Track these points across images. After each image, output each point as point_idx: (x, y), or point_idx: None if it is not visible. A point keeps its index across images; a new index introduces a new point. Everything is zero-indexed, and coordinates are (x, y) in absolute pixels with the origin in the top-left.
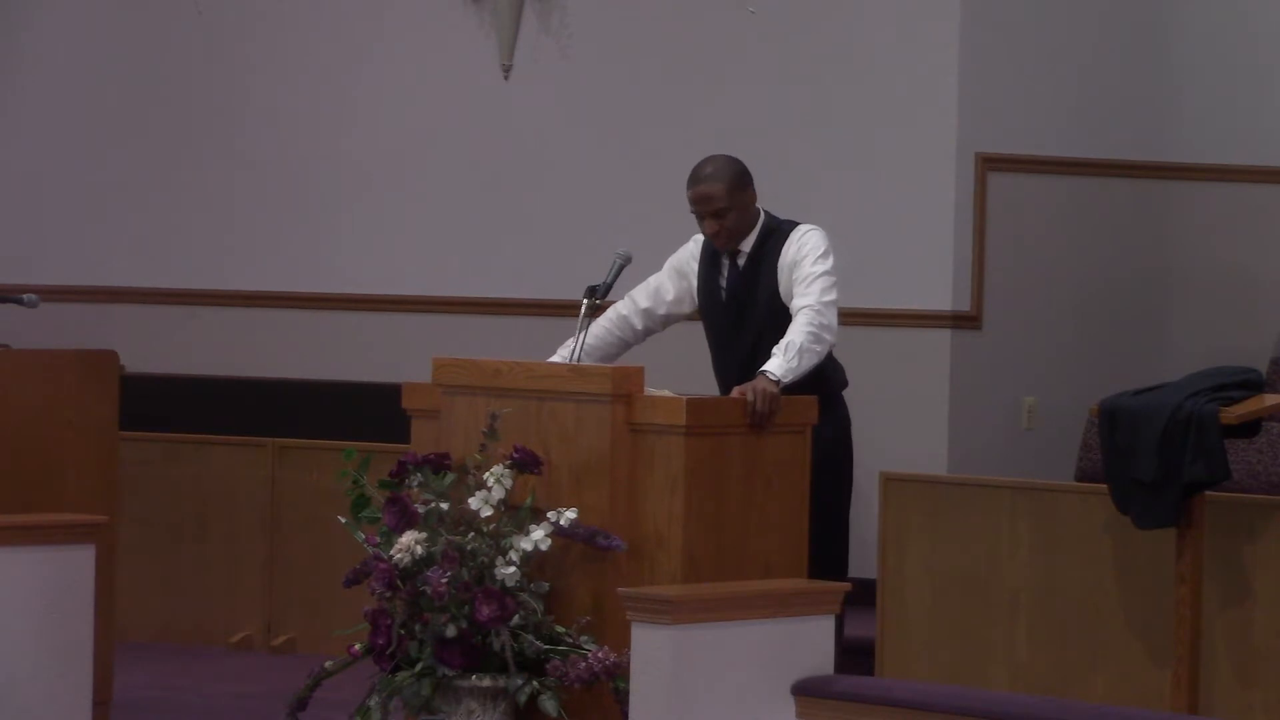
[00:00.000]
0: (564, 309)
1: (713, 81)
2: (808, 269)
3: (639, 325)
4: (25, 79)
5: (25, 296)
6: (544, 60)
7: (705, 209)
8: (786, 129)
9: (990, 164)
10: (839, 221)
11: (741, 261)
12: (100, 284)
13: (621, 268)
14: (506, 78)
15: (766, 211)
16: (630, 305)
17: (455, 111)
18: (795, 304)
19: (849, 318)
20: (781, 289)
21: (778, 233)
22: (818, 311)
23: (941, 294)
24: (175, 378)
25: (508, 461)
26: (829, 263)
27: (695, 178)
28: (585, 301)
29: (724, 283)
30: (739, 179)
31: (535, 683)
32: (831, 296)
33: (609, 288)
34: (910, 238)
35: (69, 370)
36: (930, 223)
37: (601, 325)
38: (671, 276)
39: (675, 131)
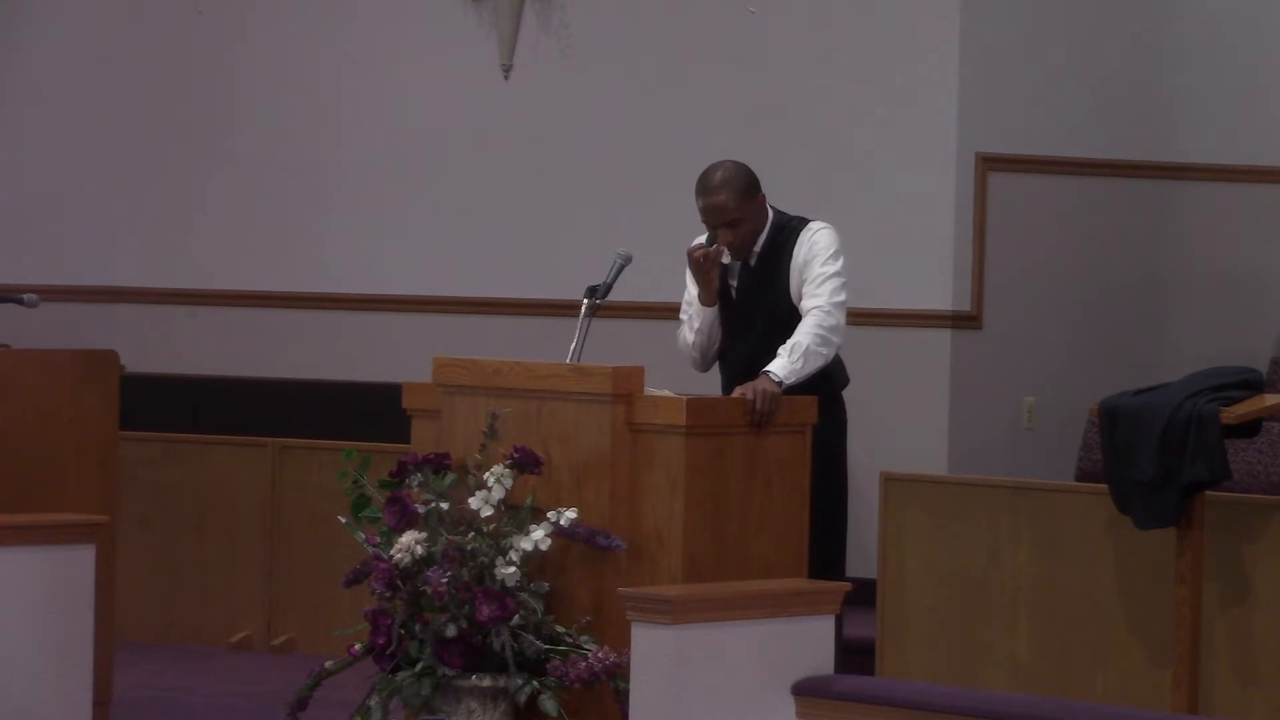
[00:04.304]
0: (564, 309)
1: (713, 82)
2: (818, 269)
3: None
4: (25, 79)
5: (25, 296)
6: (544, 60)
7: (717, 220)
8: (787, 129)
9: (990, 164)
10: (839, 221)
11: (753, 261)
12: (100, 284)
13: (621, 268)
14: (506, 78)
15: (774, 208)
16: (686, 311)
17: (455, 111)
18: (805, 305)
19: (849, 317)
20: (793, 289)
21: (787, 229)
22: (827, 313)
23: (941, 294)
24: (175, 378)
25: (508, 461)
26: (839, 263)
27: (704, 188)
28: (585, 301)
29: (734, 281)
30: (748, 187)
31: (535, 683)
32: (841, 298)
33: (609, 288)
34: (910, 238)
35: (69, 370)
36: (930, 223)
37: (692, 328)
38: (690, 284)
39: (675, 131)
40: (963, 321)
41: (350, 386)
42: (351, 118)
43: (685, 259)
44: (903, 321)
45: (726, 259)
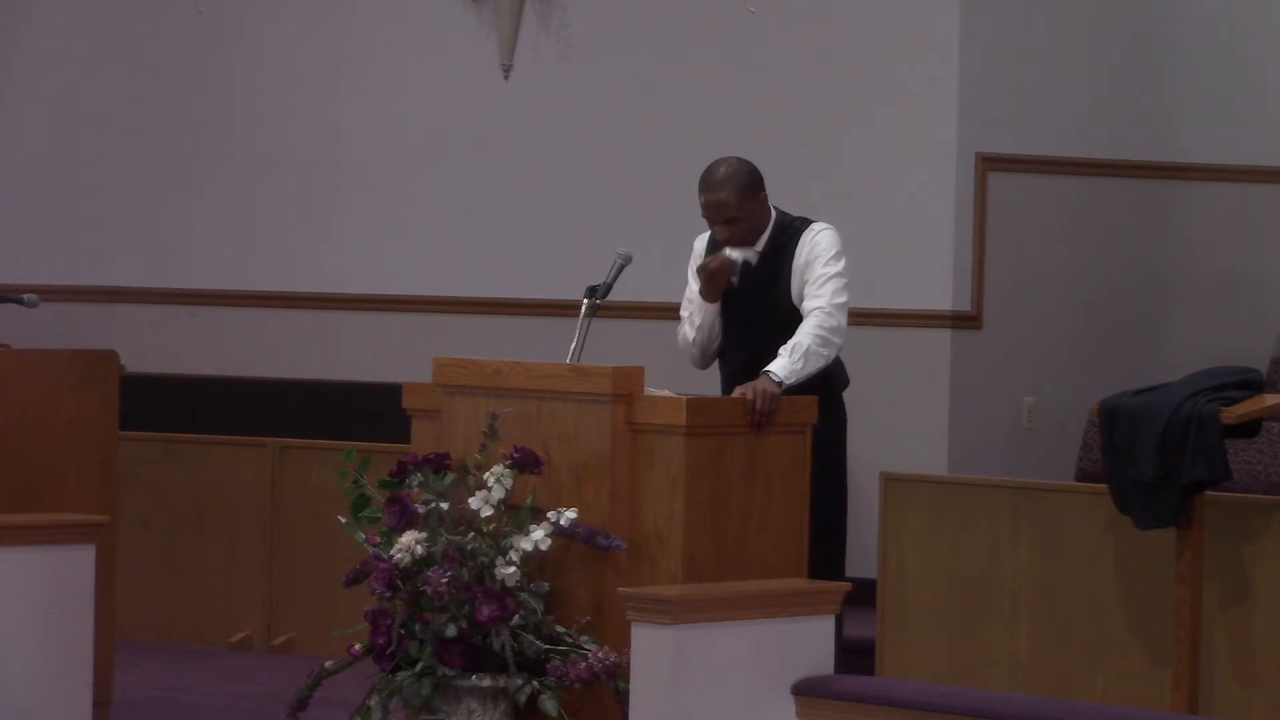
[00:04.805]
0: (564, 309)
1: (713, 82)
2: (819, 270)
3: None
4: (25, 79)
5: (25, 296)
6: (544, 60)
7: (717, 216)
8: (786, 129)
9: (990, 164)
10: (839, 221)
11: (754, 261)
12: (100, 284)
13: (622, 268)
14: (506, 78)
15: (777, 209)
16: (687, 308)
17: (455, 111)
18: (806, 305)
19: (850, 317)
20: (794, 290)
21: (790, 230)
22: (828, 314)
23: (941, 294)
24: (175, 378)
25: (508, 461)
26: (841, 264)
27: (707, 184)
28: (585, 301)
29: (735, 281)
30: (750, 186)
31: (535, 683)
32: (842, 299)
33: (609, 288)
34: (910, 238)
35: (69, 370)
36: (930, 223)
37: (692, 322)
38: (692, 281)
39: (675, 132)
40: (963, 321)
41: (350, 386)
42: (351, 118)
43: (685, 258)
44: (903, 321)
45: (736, 256)
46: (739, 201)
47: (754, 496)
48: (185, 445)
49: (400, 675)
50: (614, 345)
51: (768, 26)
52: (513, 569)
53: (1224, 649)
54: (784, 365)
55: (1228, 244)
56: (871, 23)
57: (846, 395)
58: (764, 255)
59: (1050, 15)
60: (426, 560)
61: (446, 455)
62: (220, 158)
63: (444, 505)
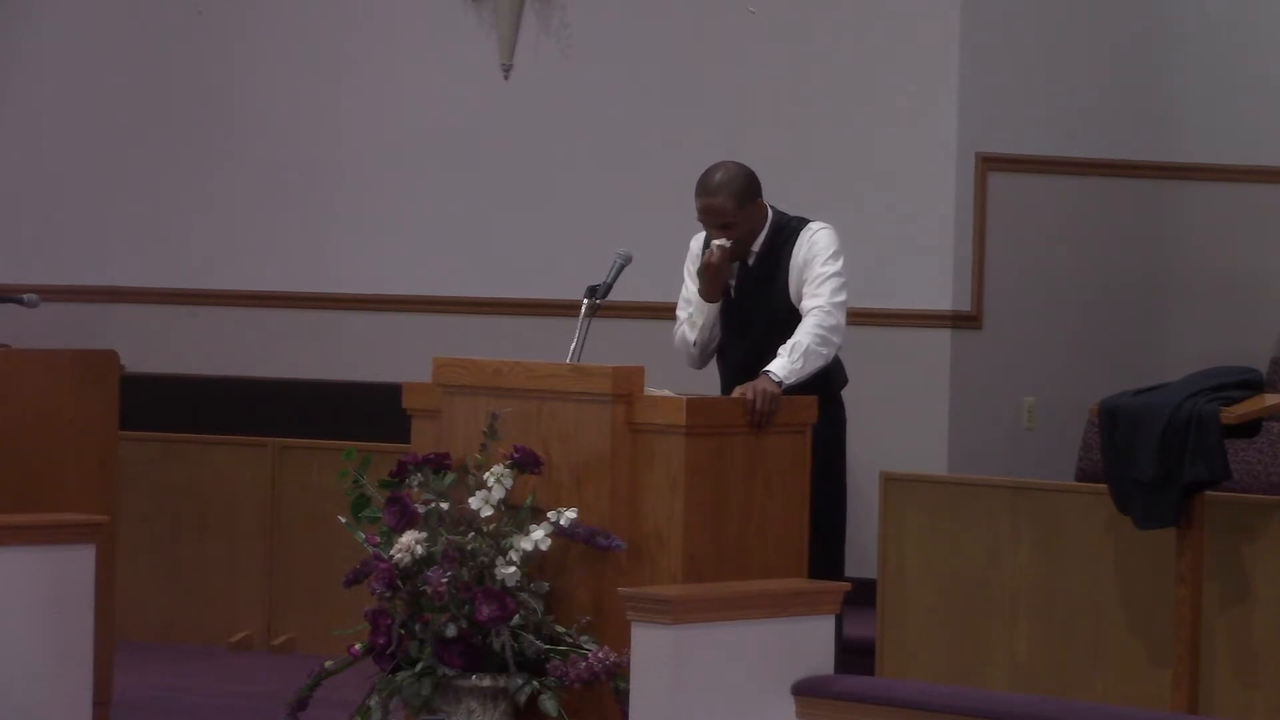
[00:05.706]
0: (564, 309)
1: (712, 82)
2: (818, 269)
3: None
4: (26, 79)
5: (25, 296)
6: (544, 60)
7: (712, 221)
8: (786, 129)
9: (990, 164)
10: (839, 221)
11: (751, 261)
12: (100, 284)
13: (622, 268)
14: (506, 78)
15: (774, 209)
16: (684, 309)
17: (455, 111)
18: (805, 304)
19: (849, 317)
20: (792, 289)
21: (787, 230)
22: (827, 313)
23: (941, 294)
24: (175, 378)
25: (508, 461)
26: (839, 263)
27: (703, 189)
28: (585, 301)
29: (733, 281)
30: (746, 191)
31: (535, 683)
32: (841, 298)
33: (609, 288)
34: (910, 238)
35: (69, 370)
36: (930, 223)
37: (692, 323)
38: (689, 281)
39: (675, 132)
40: (963, 321)
41: (350, 386)
42: (351, 117)
43: (684, 258)
44: (903, 321)
45: (723, 242)
46: (735, 207)
47: (754, 496)
48: (185, 445)
49: (400, 675)
50: (614, 345)
51: (767, 26)
52: (513, 569)
53: (1224, 649)
54: (783, 365)
55: (1228, 244)
56: (871, 23)
57: (846, 395)
58: (761, 255)
59: (1050, 15)
60: (426, 560)
61: (446, 455)
62: (220, 158)
63: (444, 505)
